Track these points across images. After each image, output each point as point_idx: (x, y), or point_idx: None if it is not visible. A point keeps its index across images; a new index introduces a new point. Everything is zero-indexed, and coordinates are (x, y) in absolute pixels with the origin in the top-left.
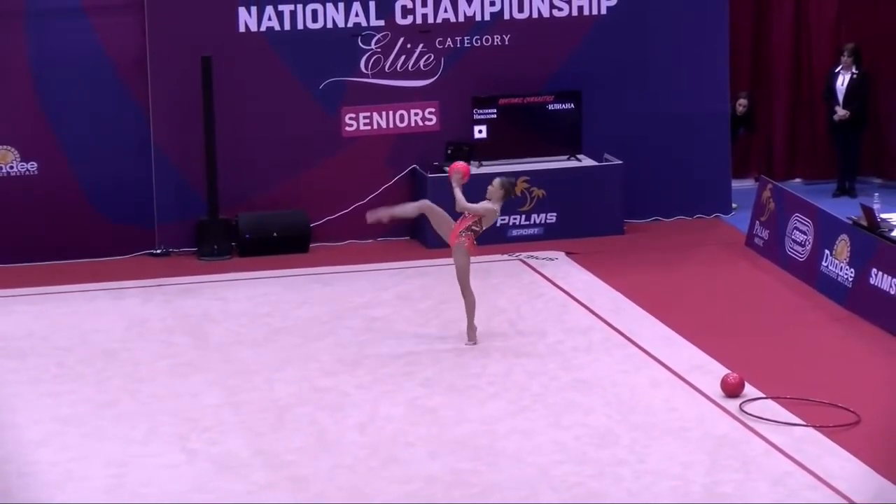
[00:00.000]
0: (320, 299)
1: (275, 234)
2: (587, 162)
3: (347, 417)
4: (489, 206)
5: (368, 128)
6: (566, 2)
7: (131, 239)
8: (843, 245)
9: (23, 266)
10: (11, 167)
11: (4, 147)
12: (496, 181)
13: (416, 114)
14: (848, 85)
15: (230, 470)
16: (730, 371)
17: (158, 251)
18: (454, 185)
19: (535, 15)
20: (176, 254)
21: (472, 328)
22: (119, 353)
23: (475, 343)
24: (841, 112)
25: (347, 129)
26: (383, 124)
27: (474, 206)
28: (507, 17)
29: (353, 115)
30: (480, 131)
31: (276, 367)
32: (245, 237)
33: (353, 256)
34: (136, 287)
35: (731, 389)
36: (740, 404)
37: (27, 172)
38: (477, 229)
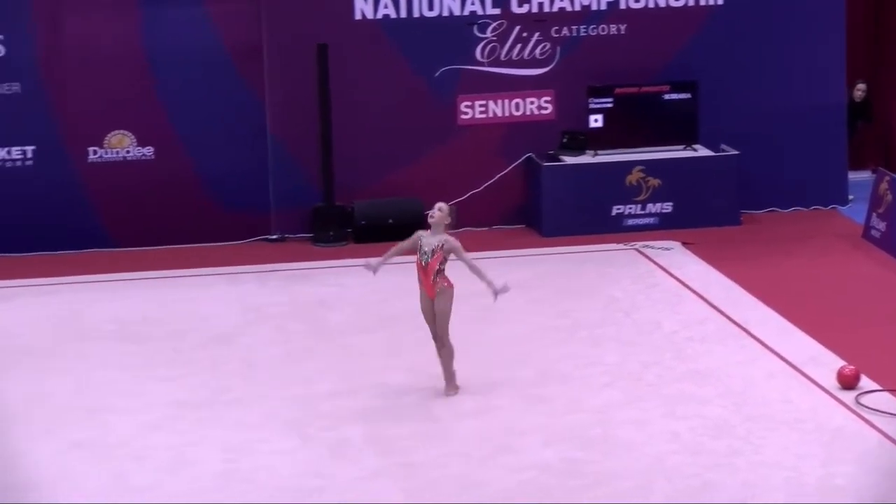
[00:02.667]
0: None
1: (390, 221)
2: (703, 152)
3: (461, 405)
4: (449, 239)
5: (484, 116)
6: None
7: (247, 224)
8: None
9: (139, 250)
10: (128, 152)
11: (121, 132)
12: (444, 207)
13: (532, 102)
14: None
15: (343, 456)
16: (846, 363)
17: (274, 237)
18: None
19: (651, 4)
20: (292, 240)
21: (452, 377)
22: (234, 338)
23: (456, 392)
24: None
25: (463, 116)
26: (499, 112)
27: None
28: (623, 6)
29: (468, 104)
30: (596, 120)
31: (390, 353)
32: (360, 224)
33: (467, 244)
34: (251, 272)
35: (847, 381)
36: (856, 396)
37: (143, 157)
38: (443, 267)
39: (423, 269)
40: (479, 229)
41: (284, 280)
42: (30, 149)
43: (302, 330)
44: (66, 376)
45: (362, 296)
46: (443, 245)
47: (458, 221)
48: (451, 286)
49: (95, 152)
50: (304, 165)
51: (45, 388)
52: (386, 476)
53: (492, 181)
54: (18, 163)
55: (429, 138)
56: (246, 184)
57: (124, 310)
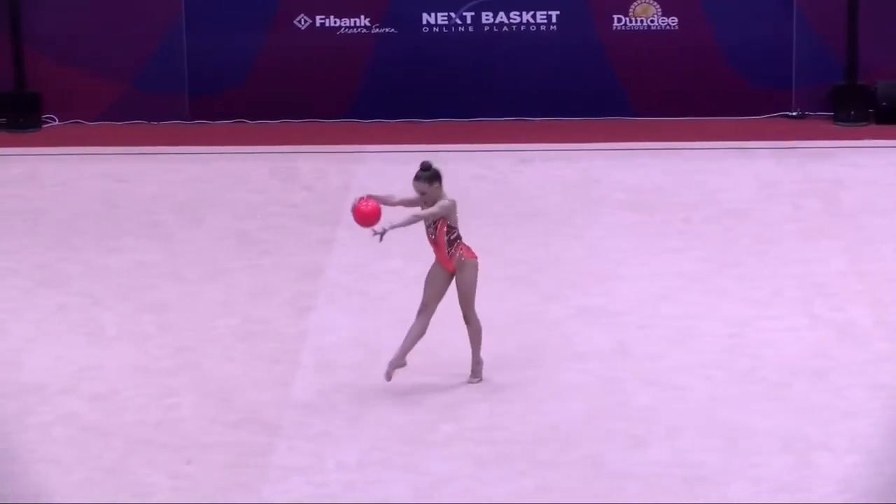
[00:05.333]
0: None
1: None
2: None
3: None
4: (443, 203)
5: None
6: None
7: (767, 99)
8: None
9: (656, 120)
10: (652, 21)
11: (647, 1)
12: (415, 182)
13: None
14: None
15: (852, 338)
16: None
17: (794, 113)
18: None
19: None
20: (811, 117)
21: (478, 362)
22: (747, 213)
23: (481, 380)
24: None
25: None
26: None
27: (429, 210)
28: None
29: None
30: None
31: None
32: (882, 105)
33: None
34: (768, 148)
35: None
36: None
37: (667, 27)
38: (455, 227)
39: (434, 244)
40: None
41: (802, 157)
42: (554, 14)
43: (816, 208)
44: (576, 241)
45: (880, 177)
46: (437, 212)
47: None
48: (473, 257)
49: (620, 20)
50: (829, 42)
51: (556, 251)
52: (894, 361)
53: None
54: (543, 27)
55: None
56: (768, 59)
57: (637, 179)
